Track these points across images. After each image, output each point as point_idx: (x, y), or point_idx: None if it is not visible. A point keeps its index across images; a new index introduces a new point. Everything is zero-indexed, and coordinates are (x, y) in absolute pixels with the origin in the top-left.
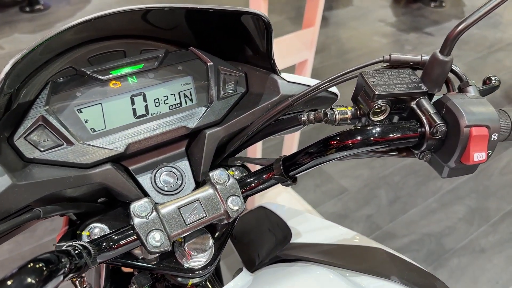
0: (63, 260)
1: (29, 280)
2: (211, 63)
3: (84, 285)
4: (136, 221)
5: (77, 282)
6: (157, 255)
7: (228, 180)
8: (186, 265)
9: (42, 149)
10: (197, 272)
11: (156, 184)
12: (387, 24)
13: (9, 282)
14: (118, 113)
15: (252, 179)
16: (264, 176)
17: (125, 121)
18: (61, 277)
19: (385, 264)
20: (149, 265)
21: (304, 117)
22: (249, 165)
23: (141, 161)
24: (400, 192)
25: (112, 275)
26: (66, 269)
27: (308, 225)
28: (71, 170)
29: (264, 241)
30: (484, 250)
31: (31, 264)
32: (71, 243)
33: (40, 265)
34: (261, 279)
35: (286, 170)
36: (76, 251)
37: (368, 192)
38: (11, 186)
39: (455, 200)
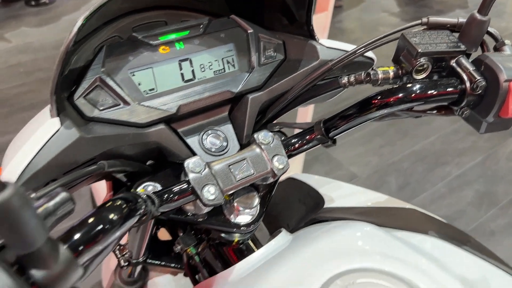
0: (139, 200)
1: (111, 216)
2: (251, 31)
3: (124, 253)
4: (191, 176)
5: (116, 250)
6: (208, 210)
7: (272, 141)
8: (234, 221)
9: (101, 108)
10: (244, 228)
11: (203, 145)
12: (391, 14)
13: (90, 220)
14: (168, 77)
15: (295, 140)
16: (307, 137)
17: (175, 85)
18: (136, 218)
19: (421, 222)
20: (200, 221)
21: (345, 80)
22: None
23: (188, 124)
24: (409, 178)
25: (151, 244)
26: (142, 210)
27: (341, 191)
28: (128, 129)
29: (293, 211)
30: (494, 233)
31: (111, 202)
32: (135, 192)
33: (120, 202)
34: (302, 237)
35: (327, 131)
36: (143, 197)
37: (377, 178)
38: (79, 139)
39: (463, 185)
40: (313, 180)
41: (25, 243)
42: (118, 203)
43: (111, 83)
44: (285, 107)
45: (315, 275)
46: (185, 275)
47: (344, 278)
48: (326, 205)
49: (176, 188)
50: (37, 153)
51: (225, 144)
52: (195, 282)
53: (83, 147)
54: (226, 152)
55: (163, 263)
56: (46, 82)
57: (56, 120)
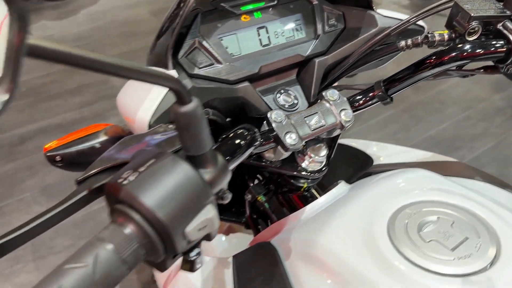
0: (255, 130)
1: (237, 141)
2: (316, 2)
3: None
4: (274, 125)
5: None
6: (286, 156)
7: (339, 98)
8: (305, 167)
9: (200, 66)
10: (312, 173)
11: (278, 102)
12: (401, 6)
13: (231, 140)
14: (249, 42)
15: (359, 97)
16: (369, 95)
17: (254, 49)
18: (252, 149)
19: (467, 171)
20: (277, 167)
21: (402, 44)
22: None
23: (264, 85)
24: None
25: None
26: (257, 142)
27: (388, 151)
28: (221, 84)
29: (341, 173)
30: None
31: (233, 133)
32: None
33: (242, 131)
34: (361, 185)
35: (386, 89)
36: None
37: None
38: (192, 88)
39: (477, 168)
40: (358, 143)
41: (198, 147)
42: (240, 131)
43: (207, 45)
44: (344, 72)
45: (383, 208)
46: (247, 227)
47: (412, 208)
48: (375, 163)
49: (263, 135)
50: (162, 99)
51: (296, 101)
52: (257, 232)
53: (195, 95)
54: (297, 108)
55: (224, 217)
56: (70, 72)
57: (174, 71)
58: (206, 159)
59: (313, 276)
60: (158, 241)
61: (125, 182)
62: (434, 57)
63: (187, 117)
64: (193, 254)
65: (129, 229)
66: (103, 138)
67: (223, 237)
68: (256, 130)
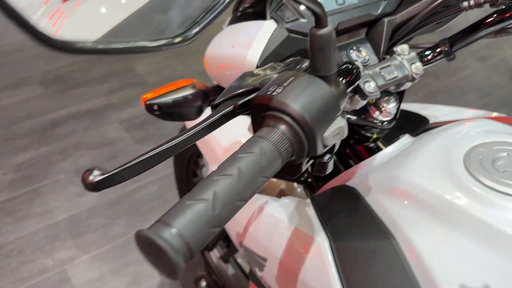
0: (359, 66)
1: (347, 72)
2: None
3: None
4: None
5: None
6: (362, 105)
7: (409, 53)
8: (376, 117)
9: (287, 21)
10: (384, 123)
11: (351, 57)
12: None
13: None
14: (326, 2)
15: (427, 53)
16: (436, 50)
17: (332, 7)
18: (356, 84)
19: None
20: (352, 117)
21: (465, 4)
22: None
23: (338, 42)
24: None
25: None
26: (360, 78)
27: (441, 111)
28: (306, 37)
29: (396, 135)
30: None
31: (339, 69)
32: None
33: (346, 65)
34: (425, 135)
35: (450, 46)
36: None
37: None
38: (288, 37)
39: None
40: (412, 107)
41: (327, 68)
42: (345, 66)
43: (292, 2)
44: (408, 32)
45: (456, 147)
46: (307, 184)
47: (483, 146)
48: (431, 121)
49: None
50: (267, 43)
51: (367, 58)
52: (316, 188)
53: (289, 43)
54: (369, 63)
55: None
56: (94, 61)
57: (272, 21)
58: (331, 80)
59: (397, 205)
60: (304, 141)
61: (274, 93)
62: (495, 15)
63: (323, 39)
64: (326, 157)
65: (281, 129)
66: (193, 90)
67: (276, 202)
68: (358, 69)
